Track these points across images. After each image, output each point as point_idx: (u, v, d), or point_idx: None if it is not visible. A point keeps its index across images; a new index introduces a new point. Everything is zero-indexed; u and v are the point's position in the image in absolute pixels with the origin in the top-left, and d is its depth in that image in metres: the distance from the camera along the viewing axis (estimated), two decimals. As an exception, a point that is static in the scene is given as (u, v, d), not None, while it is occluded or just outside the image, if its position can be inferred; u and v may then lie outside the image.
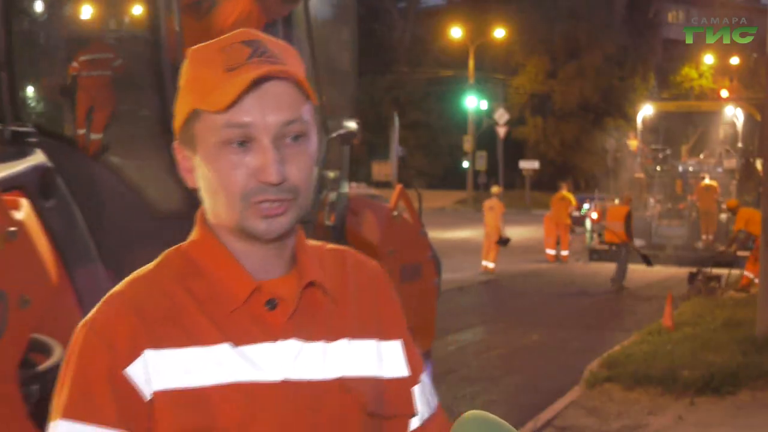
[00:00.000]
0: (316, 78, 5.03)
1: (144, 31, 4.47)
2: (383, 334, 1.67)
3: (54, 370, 2.95)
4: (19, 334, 3.08)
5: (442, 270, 6.60)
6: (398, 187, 6.42)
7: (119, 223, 3.93)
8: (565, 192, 24.21)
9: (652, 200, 24.36)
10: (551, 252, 23.38)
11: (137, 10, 4.70)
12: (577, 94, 49.78)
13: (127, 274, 1.58)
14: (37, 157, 3.65)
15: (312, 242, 1.67)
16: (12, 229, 3.18)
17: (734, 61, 40.30)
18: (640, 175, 25.06)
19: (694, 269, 17.24)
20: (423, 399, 1.70)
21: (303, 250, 1.62)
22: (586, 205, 27.86)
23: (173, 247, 1.61)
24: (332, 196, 5.41)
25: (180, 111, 1.57)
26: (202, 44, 1.57)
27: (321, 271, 1.62)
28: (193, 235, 1.61)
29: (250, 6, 4.50)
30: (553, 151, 52.03)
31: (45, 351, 3.13)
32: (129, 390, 1.46)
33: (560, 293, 17.18)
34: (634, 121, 27.82)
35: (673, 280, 18.11)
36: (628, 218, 18.86)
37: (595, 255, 23.13)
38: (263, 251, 1.56)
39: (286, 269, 1.59)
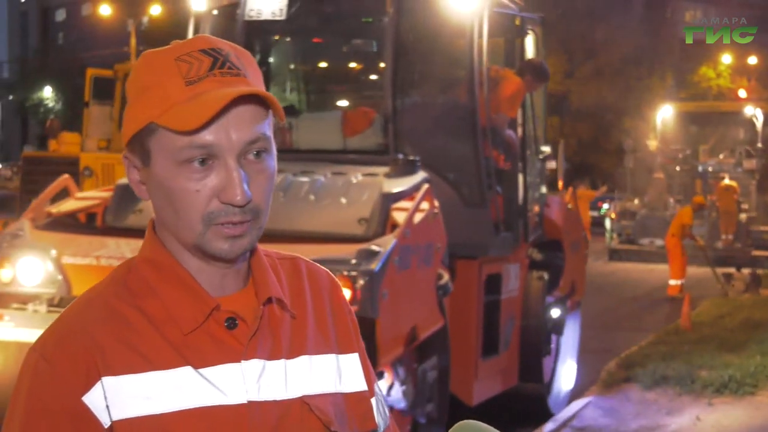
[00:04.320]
0: (533, 119, 8.30)
1: (464, 99, 7.29)
2: (341, 348, 1.60)
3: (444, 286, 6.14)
4: (440, 265, 6.13)
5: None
6: (570, 188, 10.18)
7: (446, 208, 6.38)
8: (581, 190, 24.18)
9: (671, 200, 24.29)
10: None
11: (460, 83, 7.53)
12: (594, 93, 49.62)
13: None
14: (422, 174, 6.34)
15: (264, 251, 1.58)
16: (436, 210, 6.10)
17: (752, 60, 40.11)
18: (660, 175, 25.00)
19: (731, 270, 17.39)
20: (379, 411, 1.64)
21: (260, 264, 1.54)
22: (605, 206, 27.80)
23: (122, 263, 1.53)
24: (535, 195, 8.20)
25: (132, 120, 1.46)
26: (156, 50, 1.47)
27: (279, 284, 1.54)
28: (144, 249, 1.51)
29: (519, 85, 7.55)
30: (570, 151, 51.84)
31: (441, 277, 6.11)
32: (88, 419, 1.39)
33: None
34: (652, 121, 27.75)
35: (692, 279, 18.02)
36: None
37: (615, 255, 23.07)
38: (222, 269, 1.48)
39: (242, 283, 1.52)
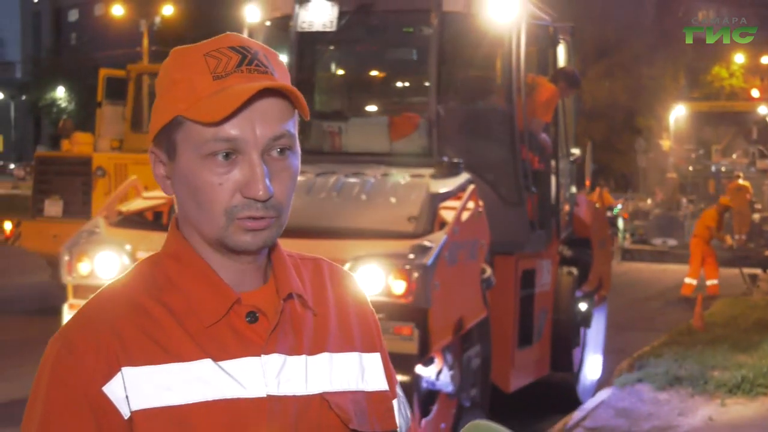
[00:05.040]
0: (564, 123, 8.89)
1: (503, 105, 7.82)
2: (364, 347, 1.60)
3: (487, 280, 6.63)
4: (483, 260, 6.61)
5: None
6: (597, 189, 11.05)
7: (486, 207, 6.76)
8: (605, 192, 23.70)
9: (684, 200, 24.26)
10: None
11: (499, 90, 8.13)
12: (606, 93, 49.55)
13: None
14: (466, 175, 6.82)
15: (287, 251, 1.59)
16: (480, 210, 6.56)
17: (765, 60, 39.98)
18: (673, 175, 24.98)
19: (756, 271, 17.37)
20: (400, 413, 1.64)
21: (281, 261, 1.55)
22: (618, 206, 27.77)
23: (146, 258, 1.55)
24: (566, 194, 8.79)
25: (160, 114, 1.47)
26: (186, 46, 1.49)
27: (300, 281, 1.56)
28: (167, 245, 1.53)
29: (554, 92, 8.17)
30: (583, 151, 51.71)
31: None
32: (107, 408, 1.40)
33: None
34: (665, 120, 27.71)
35: (704, 279, 17.96)
36: None
37: (627, 255, 23.03)
38: (242, 264, 1.50)
39: (262, 280, 1.53)
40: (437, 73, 7.50)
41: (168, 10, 37.47)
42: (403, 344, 5.61)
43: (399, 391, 1.67)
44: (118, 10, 39.95)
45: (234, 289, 1.49)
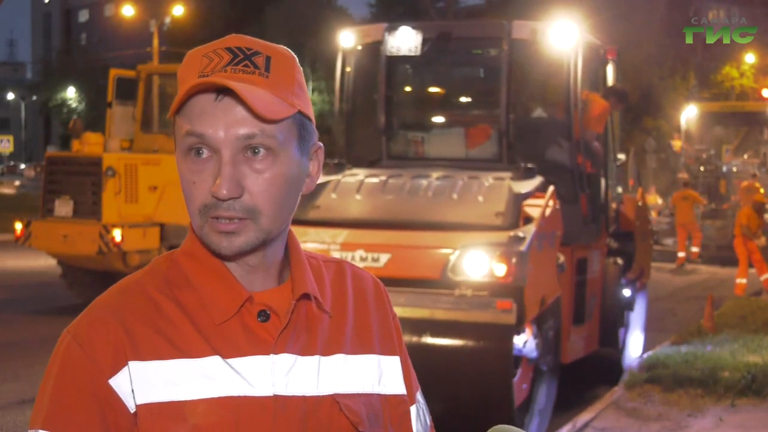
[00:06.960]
0: (612, 132, 9.95)
1: (562, 117, 8.97)
2: (383, 350, 1.60)
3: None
4: (558, 248, 7.78)
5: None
6: (640, 189, 12.00)
7: None
8: (689, 191, 22.73)
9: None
10: (681, 254, 22.04)
11: (559, 105, 9.29)
12: (617, 93, 49.41)
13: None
14: (540, 178, 7.95)
15: (310, 253, 1.60)
16: (557, 207, 7.69)
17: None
18: (684, 175, 24.90)
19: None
20: (419, 419, 1.64)
21: (298, 262, 1.55)
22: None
23: (163, 255, 1.56)
24: (614, 194, 9.85)
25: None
26: (199, 47, 1.50)
27: (316, 283, 1.55)
28: (184, 243, 1.54)
29: (605, 107, 9.35)
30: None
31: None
32: (113, 401, 1.41)
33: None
34: (675, 121, 27.62)
35: (714, 280, 17.93)
36: None
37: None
38: (244, 265, 1.50)
39: (275, 281, 1.53)
40: (507, 90, 8.64)
41: (178, 11, 37.50)
42: (504, 316, 6.81)
43: (419, 397, 1.66)
44: (128, 11, 40.01)
45: (248, 288, 1.49)
